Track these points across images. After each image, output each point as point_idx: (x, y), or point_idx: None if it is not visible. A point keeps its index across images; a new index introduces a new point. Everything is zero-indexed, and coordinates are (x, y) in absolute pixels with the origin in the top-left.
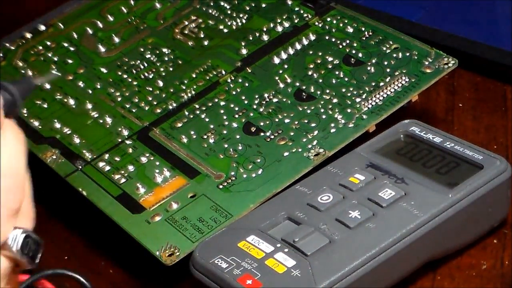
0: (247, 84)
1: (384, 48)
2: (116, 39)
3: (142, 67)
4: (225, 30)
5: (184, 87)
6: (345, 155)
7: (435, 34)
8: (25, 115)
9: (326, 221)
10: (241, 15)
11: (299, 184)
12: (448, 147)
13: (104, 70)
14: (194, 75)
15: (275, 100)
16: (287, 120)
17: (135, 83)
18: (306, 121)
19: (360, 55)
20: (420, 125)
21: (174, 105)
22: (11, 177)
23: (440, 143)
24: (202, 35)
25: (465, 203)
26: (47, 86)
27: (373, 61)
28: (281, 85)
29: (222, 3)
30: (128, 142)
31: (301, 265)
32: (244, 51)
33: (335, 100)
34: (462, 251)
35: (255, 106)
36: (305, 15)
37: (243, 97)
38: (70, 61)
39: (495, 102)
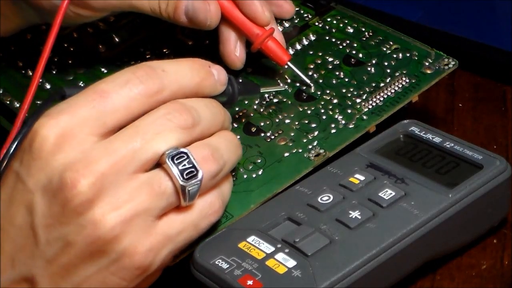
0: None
1: (384, 49)
2: (116, 39)
3: None
4: None
5: None
6: (345, 155)
7: (435, 34)
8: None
9: (326, 222)
10: None
11: (299, 184)
12: (447, 147)
13: (104, 70)
14: None
15: (275, 100)
16: (287, 121)
17: None
18: (306, 121)
19: (360, 55)
20: (419, 125)
21: None
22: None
23: (439, 143)
24: (202, 35)
25: (465, 203)
26: (48, 86)
27: (373, 61)
28: (281, 85)
29: None
30: None
31: (301, 266)
32: None
33: (335, 101)
34: (462, 251)
35: (255, 106)
36: (305, 15)
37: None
38: (70, 61)
39: (495, 102)
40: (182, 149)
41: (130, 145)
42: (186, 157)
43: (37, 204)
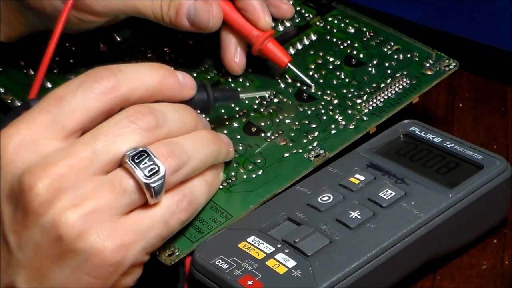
0: (248, 84)
1: (385, 49)
2: (118, 38)
3: None
4: None
5: None
6: (345, 155)
7: (435, 34)
8: None
9: (326, 222)
10: None
11: (299, 184)
12: (448, 147)
13: None
14: (195, 74)
15: (275, 100)
16: (287, 121)
17: None
18: (306, 121)
19: (361, 56)
20: (419, 125)
21: None
22: None
23: (440, 143)
24: (203, 35)
25: (465, 203)
26: (49, 85)
27: (374, 62)
28: (282, 85)
29: None
30: None
31: (302, 266)
32: None
33: (335, 101)
34: (462, 251)
35: (255, 106)
36: (306, 14)
37: (244, 97)
38: (71, 60)
39: (495, 102)
40: (142, 148)
41: (90, 147)
42: (146, 155)
43: (4, 212)
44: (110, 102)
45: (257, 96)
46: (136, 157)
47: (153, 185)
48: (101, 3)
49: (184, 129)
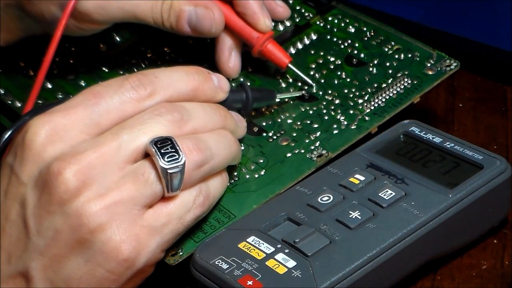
0: (248, 84)
1: (386, 49)
2: (118, 38)
3: (143, 65)
4: None
5: None
6: (345, 155)
7: (435, 34)
8: None
9: (326, 222)
10: None
11: (299, 184)
12: (448, 147)
13: (105, 69)
14: None
15: (277, 100)
16: (289, 121)
17: None
18: (308, 121)
19: (362, 55)
20: (420, 125)
21: None
22: None
23: (440, 143)
24: None
25: (465, 203)
26: (49, 85)
27: (375, 62)
28: (283, 85)
29: None
30: None
31: (301, 266)
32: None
33: (337, 101)
34: (462, 251)
35: None
36: (306, 14)
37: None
38: (71, 60)
39: (495, 102)
40: (167, 136)
41: (117, 137)
42: (169, 142)
43: (29, 196)
44: (145, 107)
45: (291, 98)
46: (159, 143)
47: (170, 171)
48: (100, 13)
49: (210, 125)
